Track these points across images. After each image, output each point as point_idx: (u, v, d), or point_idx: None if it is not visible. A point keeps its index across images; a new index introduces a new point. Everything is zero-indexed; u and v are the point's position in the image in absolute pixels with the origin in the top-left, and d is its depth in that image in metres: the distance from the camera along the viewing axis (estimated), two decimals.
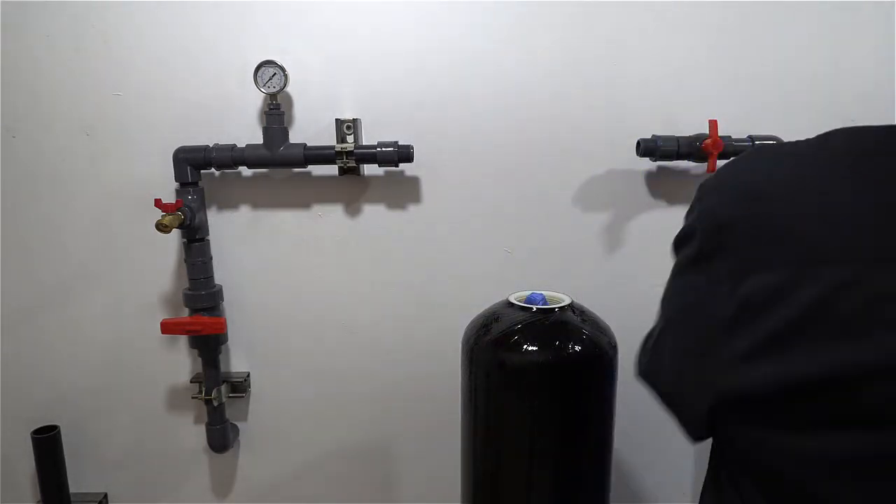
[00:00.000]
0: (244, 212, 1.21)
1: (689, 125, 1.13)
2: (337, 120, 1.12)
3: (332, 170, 1.16)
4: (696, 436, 0.51)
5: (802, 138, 0.46)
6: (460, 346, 1.06)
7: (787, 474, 0.40)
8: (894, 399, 0.35)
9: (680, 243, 0.52)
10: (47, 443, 1.21)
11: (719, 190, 0.48)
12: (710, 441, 0.53)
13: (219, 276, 1.21)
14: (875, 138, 0.41)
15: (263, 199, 1.20)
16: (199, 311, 1.16)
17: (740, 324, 0.41)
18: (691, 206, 0.52)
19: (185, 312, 1.19)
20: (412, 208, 1.21)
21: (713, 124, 1.09)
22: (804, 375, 0.37)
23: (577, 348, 0.97)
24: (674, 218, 1.20)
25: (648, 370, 0.57)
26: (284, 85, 1.08)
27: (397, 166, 1.14)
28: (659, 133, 1.12)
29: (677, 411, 0.52)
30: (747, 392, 0.41)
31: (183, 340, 1.25)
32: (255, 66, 1.08)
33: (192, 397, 1.23)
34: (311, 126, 1.15)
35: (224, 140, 1.14)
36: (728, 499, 0.47)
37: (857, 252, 0.37)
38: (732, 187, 0.46)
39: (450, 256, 1.22)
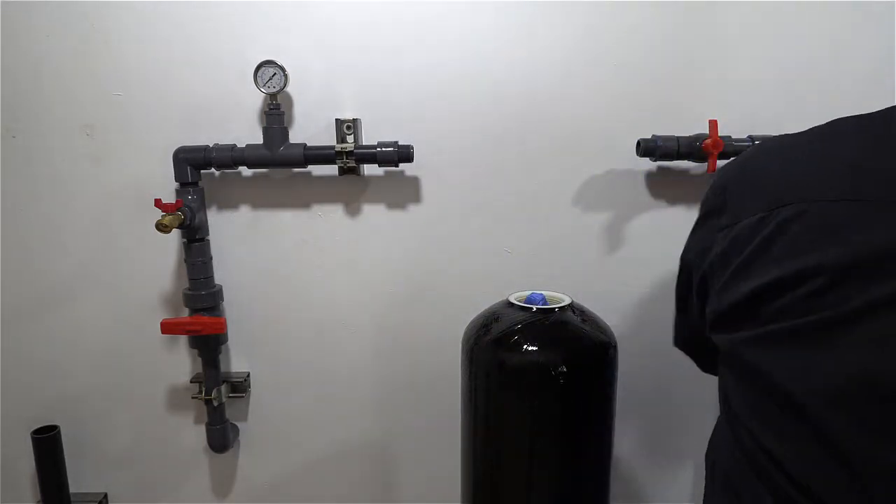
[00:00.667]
0: (244, 212, 1.21)
1: (689, 125, 1.13)
2: (337, 120, 1.12)
3: (332, 170, 1.16)
4: (701, 362, 0.77)
5: None
6: (460, 346, 1.06)
7: (745, 356, 0.53)
8: (813, 294, 0.47)
9: (700, 209, 0.65)
10: (47, 443, 1.21)
11: (726, 167, 0.62)
12: (708, 435, 0.67)
13: (219, 276, 1.21)
14: (838, 120, 0.54)
15: (263, 199, 1.20)
16: (199, 311, 1.16)
17: (728, 258, 0.54)
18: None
19: (185, 312, 1.19)
20: (412, 208, 1.21)
21: (713, 124, 1.09)
22: (760, 285, 0.50)
23: (578, 348, 0.97)
24: (674, 218, 1.20)
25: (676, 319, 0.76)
26: (284, 85, 1.08)
27: (397, 166, 1.14)
28: (659, 133, 1.12)
29: (698, 339, 0.66)
30: (725, 306, 0.55)
31: (183, 340, 1.25)
32: (255, 66, 1.08)
33: (192, 397, 1.23)
34: (311, 126, 1.15)
35: (224, 140, 1.14)
36: (721, 383, 0.61)
37: (804, 194, 0.49)
38: (734, 163, 0.61)
39: (450, 256, 1.22)
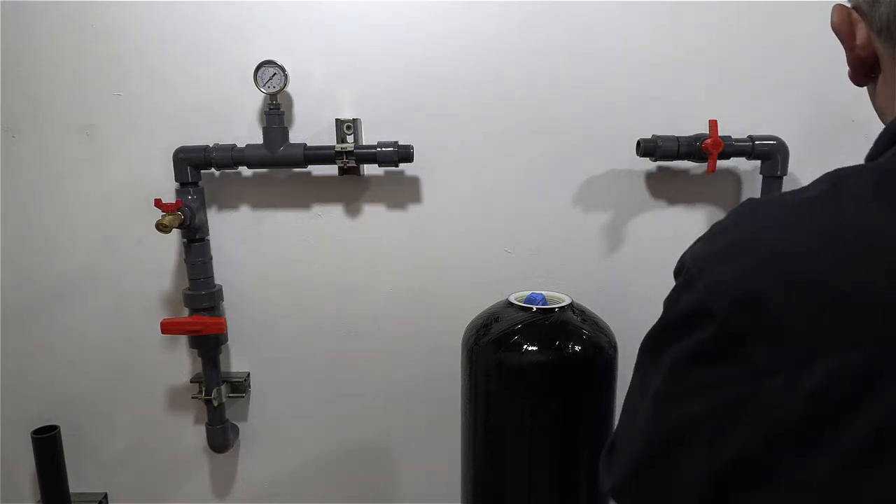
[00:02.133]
0: (244, 212, 1.21)
1: (689, 125, 1.13)
2: (337, 120, 1.12)
3: (332, 170, 1.16)
4: None
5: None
6: (460, 346, 1.06)
7: None
8: None
9: (671, 334, 0.39)
10: (47, 443, 1.21)
11: (727, 257, 0.36)
12: None
13: (219, 276, 1.21)
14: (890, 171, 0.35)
15: (263, 199, 1.20)
16: (200, 311, 1.16)
17: (817, 427, 0.31)
18: (681, 287, 0.40)
19: (186, 312, 1.19)
20: (412, 208, 1.21)
21: (713, 124, 1.09)
22: None
23: (577, 348, 0.97)
24: (674, 218, 1.20)
25: None
26: (284, 85, 1.08)
27: (397, 166, 1.14)
28: (659, 133, 1.12)
29: None
30: None
31: (183, 340, 1.25)
32: (255, 66, 1.08)
33: (192, 397, 1.23)
34: (311, 126, 1.15)
35: (224, 140, 1.14)
36: None
37: None
38: (746, 250, 0.36)
39: (450, 256, 1.22)
